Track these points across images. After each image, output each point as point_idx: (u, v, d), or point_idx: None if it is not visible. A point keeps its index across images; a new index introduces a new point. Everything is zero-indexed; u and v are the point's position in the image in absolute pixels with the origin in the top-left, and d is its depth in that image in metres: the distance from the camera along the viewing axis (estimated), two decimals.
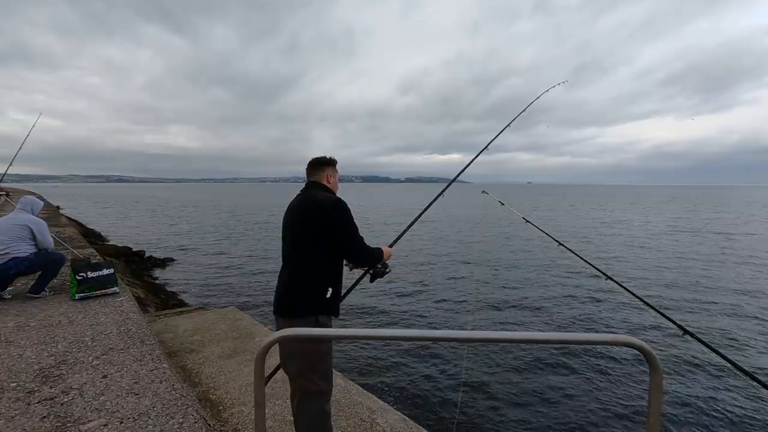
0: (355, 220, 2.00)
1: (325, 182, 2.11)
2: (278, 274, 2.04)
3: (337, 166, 2.21)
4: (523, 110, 3.67)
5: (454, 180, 3.33)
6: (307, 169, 2.14)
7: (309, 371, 1.84)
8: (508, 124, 3.59)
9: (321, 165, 2.12)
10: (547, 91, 3.90)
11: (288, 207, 2.07)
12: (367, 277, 2.30)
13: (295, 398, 1.91)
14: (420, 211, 3.00)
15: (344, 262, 2.09)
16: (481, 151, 3.44)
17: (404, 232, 2.77)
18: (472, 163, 3.42)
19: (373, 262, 2.13)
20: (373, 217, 30.83)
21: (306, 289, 1.88)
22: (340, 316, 2.06)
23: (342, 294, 2.10)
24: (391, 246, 2.32)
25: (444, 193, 3.21)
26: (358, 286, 2.35)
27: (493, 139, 3.51)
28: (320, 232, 1.89)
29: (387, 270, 2.24)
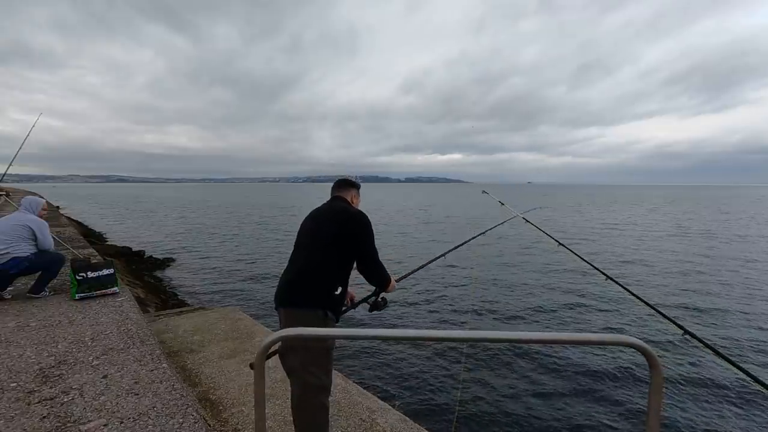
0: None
1: (349, 200, 2.30)
2: (283, 270, 2.11)
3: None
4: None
5: (478, 234, 3.40)
6: (334, 186, 2.35)
7: (312, 365, 1.89)
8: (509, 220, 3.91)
9: (348, 186, 2.35)
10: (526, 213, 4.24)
11: (312, 212, 2.22)
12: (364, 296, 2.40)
13: (296, 392, 1.93)
14: (439, 254, 3.05)
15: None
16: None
17: (415, 271, 2.81)
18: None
19: (381, 281, 2.21)
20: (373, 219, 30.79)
21: (317, 283, 1.96)
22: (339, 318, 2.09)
23: (343, 309, 2.16)
24: (398, 281, 2.43)
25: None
26: (359, 283, 2.38)
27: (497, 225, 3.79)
28: (343, 237, 2.02)
29: (385, 306, 2.33)
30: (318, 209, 2.23)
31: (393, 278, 2.29)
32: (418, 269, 2.86)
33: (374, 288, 2.31)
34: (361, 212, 2.16)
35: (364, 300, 2.39)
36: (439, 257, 3.04)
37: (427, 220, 28.99)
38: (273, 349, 2.19)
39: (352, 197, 2.33)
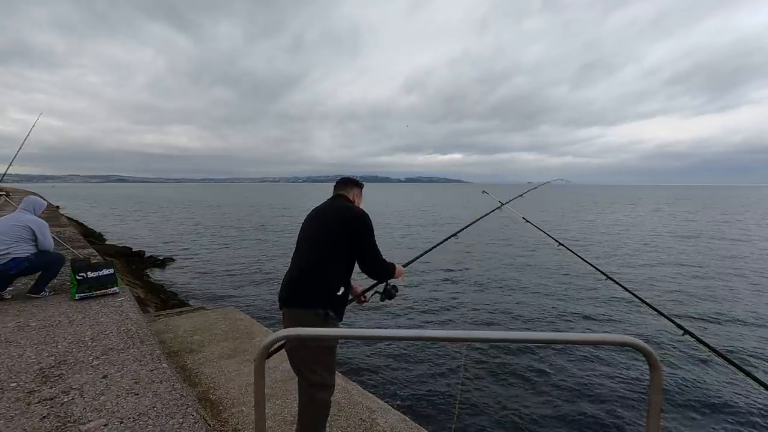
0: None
1: (351, 198, 2.30)
2: (287, 270, 2.11)
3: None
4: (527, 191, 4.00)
5: (482, 217, 3.36)
6: (337, 183, 2.37)
7: (316, 364, 1.92)
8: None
9: (351, 184, 2.35)
10: (546, 183, 4.17)
11: (313, 210, 2.21)
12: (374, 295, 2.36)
13: (303, 390, 1.97)
14: (443, 238, 3.02)
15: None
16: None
17: (421, 255, 2.80)
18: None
19: (386, 275, 2.22)
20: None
21: (319, 283, 1.96)
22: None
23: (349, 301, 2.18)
24: (405, 266, 2.43)
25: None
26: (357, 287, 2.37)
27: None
28: (345, 236, 2.02)
29: (396, 293, 2.31)
30: (319, 207, 2.21)
31: (399, 265, 2.29)
32: (425, 253, 2.83)
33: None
34: (362, 211, 2.15)
35: (373, 288, 2.35)
36: (442, 242, 2.99)
37: (426, 221, 29.00)
38: (276, 346, 2.21)
39: (354, 196, 2.32)
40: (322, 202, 2.27)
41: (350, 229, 2.03)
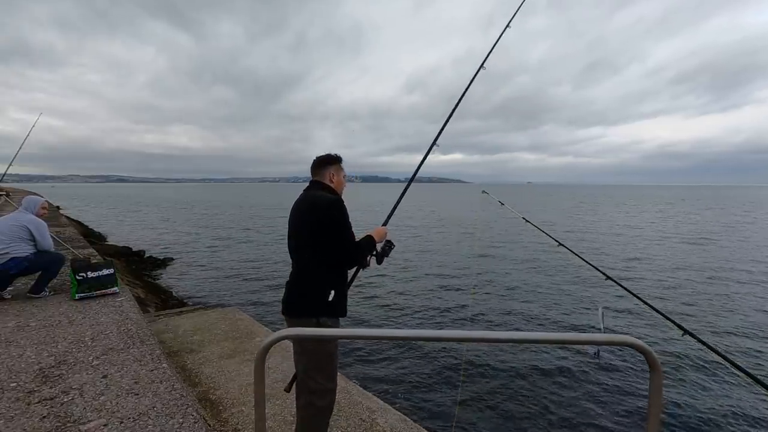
0: (350, 222, 1.97)
1: (327, 181, 2.09)
2: (289, 272, 2.08)
3: (342, 164, 2.19)
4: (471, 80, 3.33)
5: (424, 159, 3.10)
6: (311, 168, 2.13)
7: (315, 370, 1.89)
8: (453, 111, 3.25)
9: (324, 164, 2.11)
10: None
11: (294, 204, 2.09)
12: (365, 269, 2.27)
13: (302, 395, 1.95)
14: (403, 190, 2.92)
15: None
16: (436, 139, 3.13)
17: (394, 209, 2.67)
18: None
19: (363, 257, 2.08)
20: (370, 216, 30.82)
21: (307, 291, 1.92)
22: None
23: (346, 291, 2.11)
24: (384, 225, 2.33)
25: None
26: (359, 284, 2.36)
27: (443, 127, 3.18)
28: (317, 232, 1.89)
29: (392, 247, 2.23)
30: (296, 201, 2.06)
31: (376, 229, 2.18)
32: (396, 204, 2.71)
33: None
34: (330, 200, 1.94)
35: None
36: (405, 189, 2.85)
37: (427, 221, 29.02)
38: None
39: (330, 176, 2.09)
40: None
41: (317, 223, 1.89)
